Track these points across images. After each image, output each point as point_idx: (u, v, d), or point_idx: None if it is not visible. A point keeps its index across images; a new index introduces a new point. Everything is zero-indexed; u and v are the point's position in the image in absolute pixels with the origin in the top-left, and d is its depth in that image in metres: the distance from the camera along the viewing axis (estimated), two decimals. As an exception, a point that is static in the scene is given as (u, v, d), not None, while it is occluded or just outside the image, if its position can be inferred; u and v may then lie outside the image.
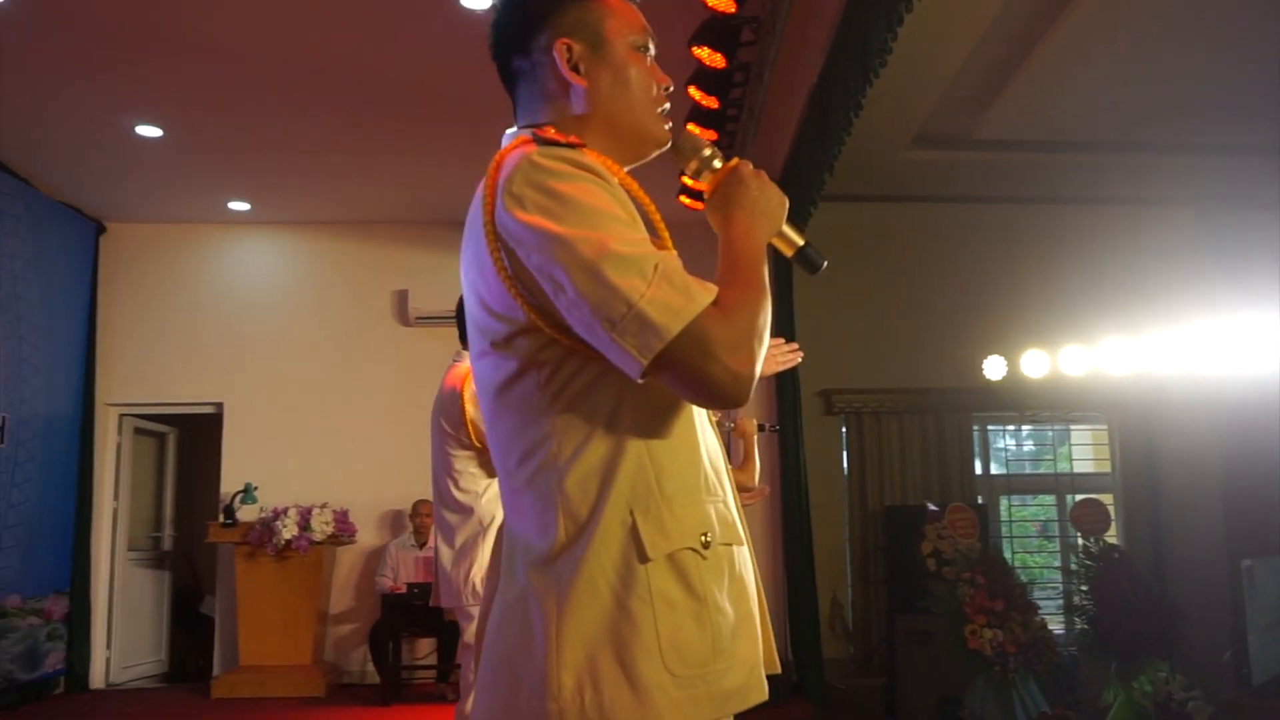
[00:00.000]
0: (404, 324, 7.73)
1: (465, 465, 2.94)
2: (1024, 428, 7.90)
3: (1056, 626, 6.02)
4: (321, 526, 6.87)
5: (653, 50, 1.44)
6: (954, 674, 5.18)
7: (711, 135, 5.21)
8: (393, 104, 5.84)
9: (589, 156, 1.28)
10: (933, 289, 7.38)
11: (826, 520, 7.00)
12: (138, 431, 7.98)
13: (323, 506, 6.98)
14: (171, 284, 7.68)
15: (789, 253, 1.42)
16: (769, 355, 1.86)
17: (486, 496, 2.92)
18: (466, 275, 1.36)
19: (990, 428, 7.71)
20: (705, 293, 1.21)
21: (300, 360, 7.63)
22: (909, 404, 7.35)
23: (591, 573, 1.20)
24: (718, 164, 1.40)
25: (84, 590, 7.31)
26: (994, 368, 6.76)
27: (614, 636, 1.18)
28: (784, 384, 6.67)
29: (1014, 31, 5.19)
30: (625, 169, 1.36)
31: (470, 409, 2.93)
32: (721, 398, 1.21)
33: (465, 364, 3.02)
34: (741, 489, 3.32)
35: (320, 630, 7.17)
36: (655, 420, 1.27)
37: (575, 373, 1.25)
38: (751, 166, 1.38)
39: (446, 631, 6.95)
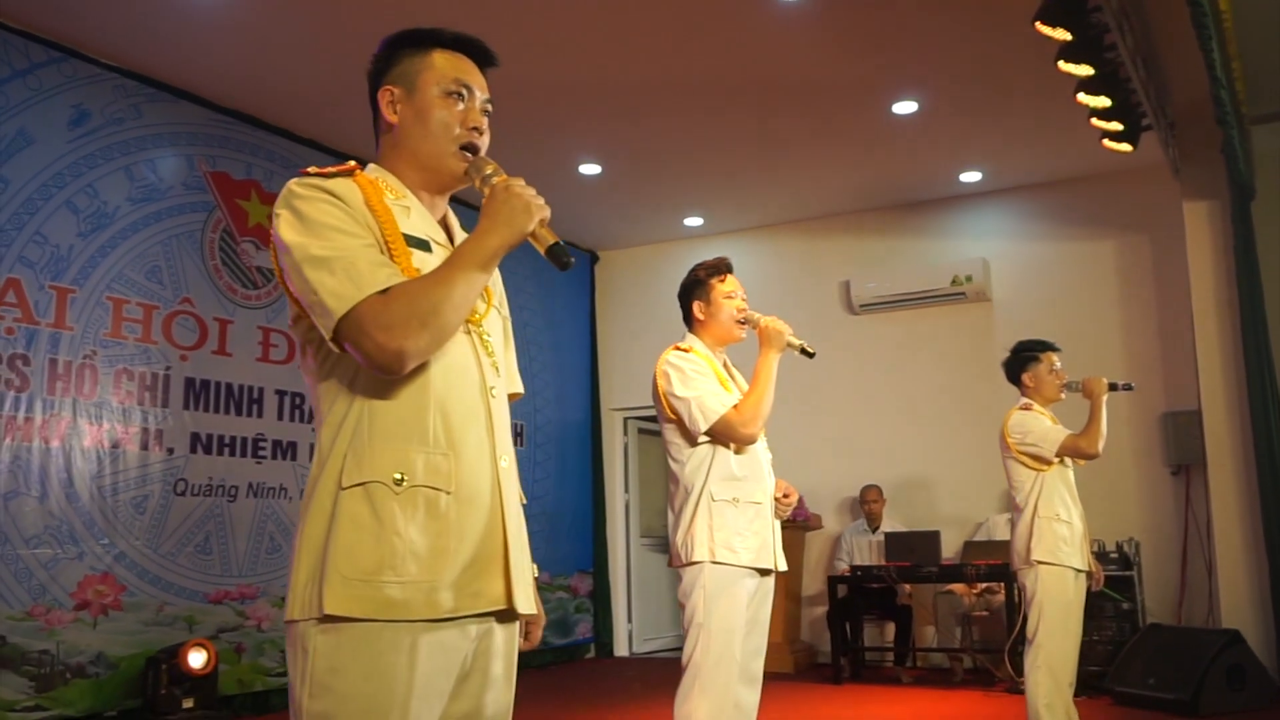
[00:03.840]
0: (850, 312, 7.90)
1: (671, 435, 3.14)
2: None
3: None
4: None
5: (476, 98, 1.70)
6: None
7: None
8: (793, 102, 6.12)
9: (335, 180, 1.58)
10: None
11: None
12: (642, 432, 9.07)
13: (781, 493, 7.38)
14: (652, 299, 8.63)
15: (541, 250, 1.59)
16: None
17: (690, 465, 3.10)
18: None
19: None
20: (376, 285, 1.47)
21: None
22: None
23: (320, 498, 1.51)
24: (495, 180, 1.61)
25: (604, 571, 8.50)
26: None
27: (323, 545, 1.47)
28: None
29: None
30: (436, 191, 1.71)
31: (661, 383, 3.14)
32: (378, 367, 1.48)
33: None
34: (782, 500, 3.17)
35: (793, 611, 7.57)
36: (379, 385, 1.53)
37: (330, 349, 1.53)
38: (512, 183, 1.58)
39: (903, 615, 6.98)
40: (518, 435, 7.88)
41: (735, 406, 3.03)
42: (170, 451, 5.33)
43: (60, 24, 4.94)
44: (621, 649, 8.58)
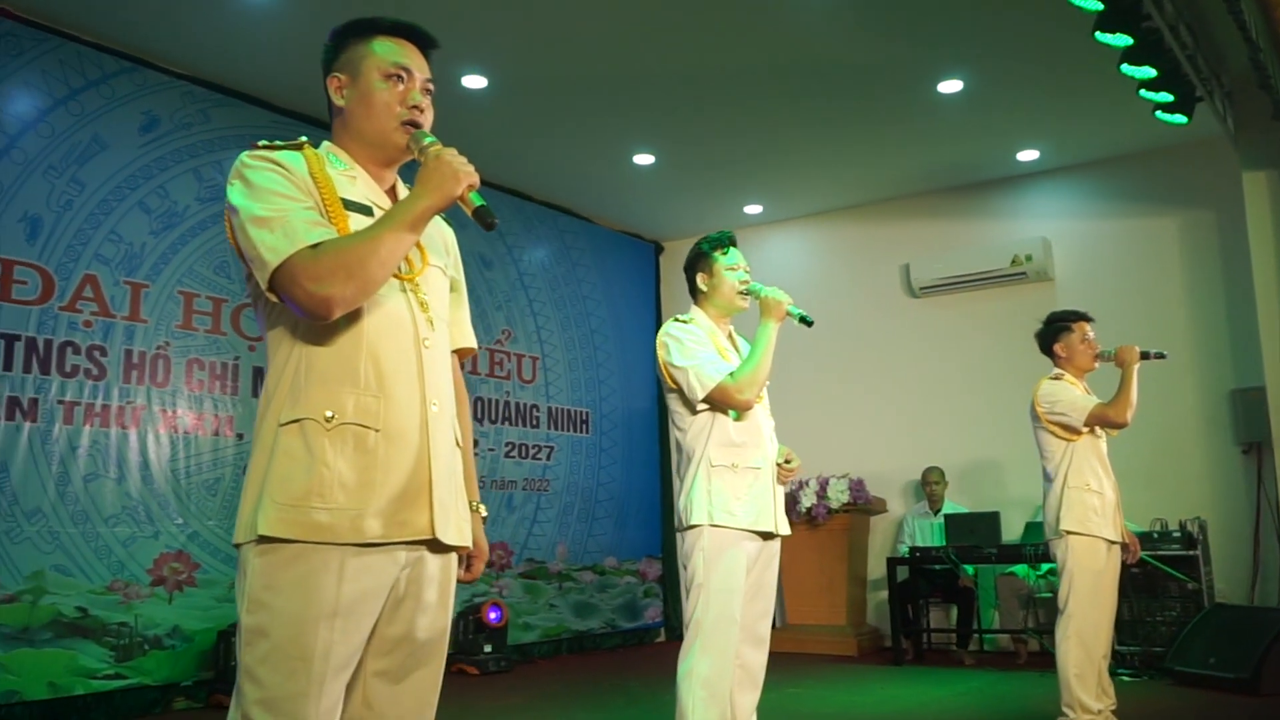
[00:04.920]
0: (911, 296, 7.88)
1: (673, 404, 3.25)
2: None
3: None
4: (837, 495, 7.30)
5: (416, 79, 1.85)
6: None
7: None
8: (837, 87, 6.15)
9: (282, 152, 1.75)
10: None
11: None
12: (709, 419, 9.15)
13: (841, 476, 7.41)
14: (717, 288, 8.73)
15: (469, 212, 1.75)
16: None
17: (691, 432, 3.20)
18: None
19: None
20: (309, 240, 1.63)
21: (822, 342, 8.16)
22: None
23: (263, 434, 1.69)
24: (433, 151, 1.76)
25: (672, 556, 8.60)
26: None
27: (264, 476, 1.64)
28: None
29: None
30: (383, 164, 1.86)
31: (661, 354, 3.25)
32: (309, 314, 1.64)
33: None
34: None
35: (858, 594, 7.58)
36: (316, 334, 1.70)
37: (275, 302, 1.70)
38: (443, 152, 1.73)
39: (964, 598, 6.95)
40: (584, 423, 8.06)
41: (732, 374, 3.12)
42: (240, 437, 5.63)
43: (130, 36, 5.28)
44: (692, 633, 8.67)
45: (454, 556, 1.82)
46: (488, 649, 6.62)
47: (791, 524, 7.32)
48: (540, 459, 7.69)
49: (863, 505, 7.38)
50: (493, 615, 6.65)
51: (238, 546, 1.67)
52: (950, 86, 6.10)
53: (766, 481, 3.18)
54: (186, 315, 5.47)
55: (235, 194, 1.70)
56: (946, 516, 7.01)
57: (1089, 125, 6.71)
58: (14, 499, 4.73)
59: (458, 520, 1.78)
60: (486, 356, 7.39)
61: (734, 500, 3.11)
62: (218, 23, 5.13)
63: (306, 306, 1.63)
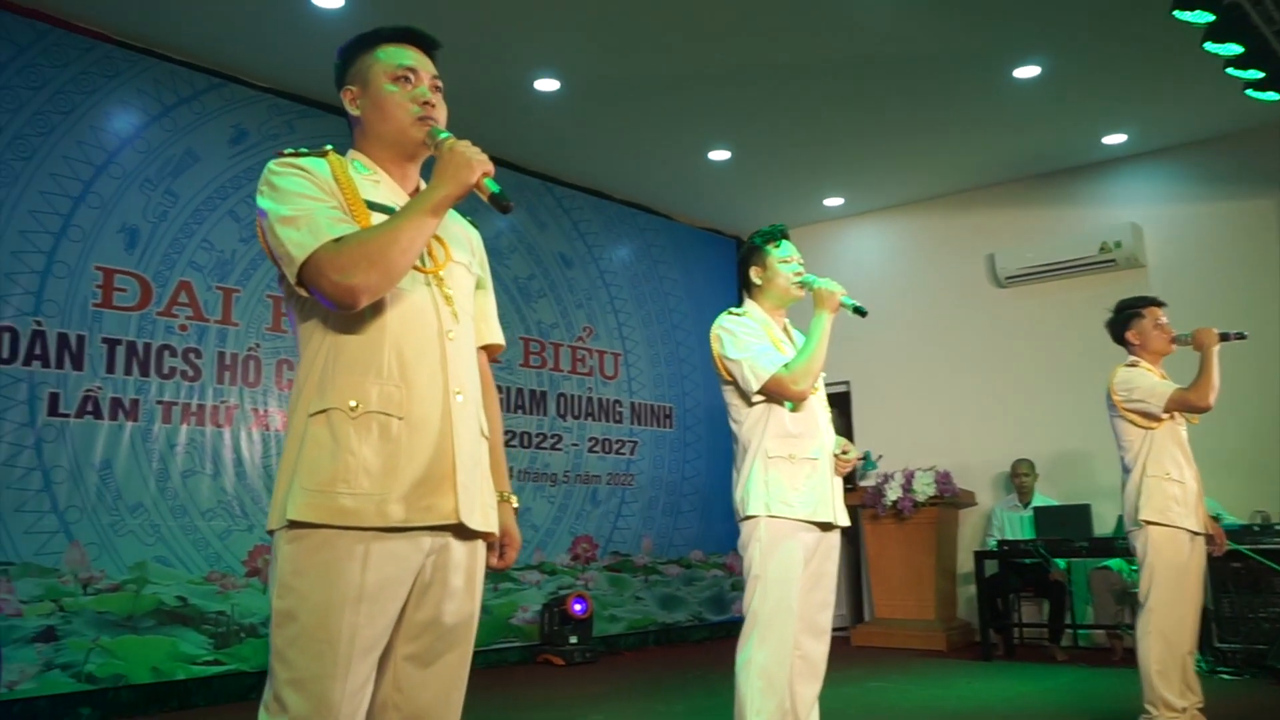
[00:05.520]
0: (997, 286, 7.73)
1: (729, 396, 3.27)
2: None
3: None
4: (923, 488, 7.21)
5: (423, 77, 1.93)
6: None
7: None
8: (912, 77, 6.10)
9: (307, 158, 1.84)
10: None
11: None
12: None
13: (928, 469, 7.31)
14: (800, 281, 8.69)
15: (485, 198, 1.82)
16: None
17: (747, 424, 3.22)
18: None
19: None
20: (332, 235, 1.72)
21: (907, 335, 8.09)
22: None
23: (294, 425, 1.78)
24: (448, 144, 1.84)
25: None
26: None
27: (295, 463, 1.73)
28: None
29: None
30: (405, 160, 1.94)
31: (715, 347, 3.28)
32: (335, 303, 1.72)
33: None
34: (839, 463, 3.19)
35: (947, 588, 7.48)
36: (343, 326, 1.79)
37: (307, 297, 1.79)
38: (457, 143, 1.81)
39: (1055, 592, 6.79)
40: (667, 418, 8.12)
41: (786, 365, 3.13)
42: (329, 434, 5.82)
43: (219, 54, 5.52)
44: (780, 628, 8.66)
45: (481, 544, 1.88)
46: (573, 640, 6.72)
47: (877, 517, 7.41)
48: (624, 454, 7.77)
49: (950, 498, 7.27)
50: (578, 607, 6.76)
51: (271, 533, 1.76)
52: (1027, 72, 5.98)
53: (824, 472, 3.18)
54: (275, 318, 5.70)
55: (263, 199, 1.80)
56: (1036, 509, 6.87)
57: (1178, 106, 6.50)
58: (118, 494, 5.01)
59: (483, 506, 1.84)
60: (569, 353, 7.50)
61: (790, 491, 3.12)
62: (299, 37, 5.33)
63: (333, 296, 1.71)
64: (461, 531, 1.80)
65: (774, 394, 3.15)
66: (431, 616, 1.79)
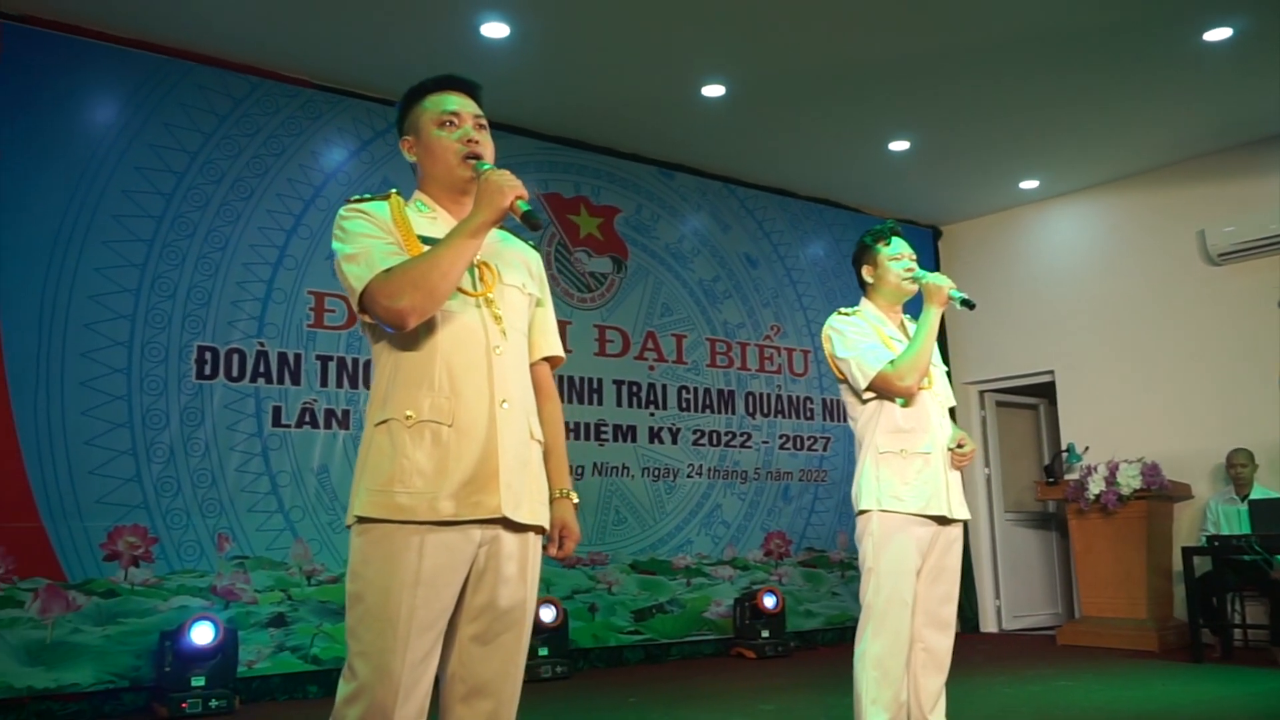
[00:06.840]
0: (1208, 263, 7.24)
1: (845, 395, 3.33)
2: None
3: None
4: (1128, 480, 6.87)
5: (465, 119, 2.16)
6: None
7: None
8: (1098, 49, 5.87)
9: (370, 203, 2.11)
10: None
11: None
12: (1000, 405, 8.86)
13: (1135, 461, 6.96)
14: (1002, 267, 8.45)
15: (518, 218, 2.03)
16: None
17: (862, 420, 3.27)
18: None
19: None
20: (383, 266, 1.97)
21: (1113, 319, 7.71)
22: None
23: (366, 434, 2.06)
24: (485, 175, 2.06)
25: (965, 547, 8.40)
26: None
27: (362, 467, 2.02)
28: None
29: None
30: (460, 195, 2.15)
31: (826, 347, 3.35)
32: (388, 325, 1.98)
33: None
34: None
35: (1162, 586, 7.09)
36: (403, 346, 2.04)
37: (370, 323, 2.08)
38: (492, 172, 2.03)
39: (1276, 591, 6.32)
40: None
41: (892, 361, 3.18)
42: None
43: (401, 90, 5.99)
44: (989, 625, 8.47)
45: (533, 536, 2.09)
46: (765, 634, 6.86)
47: (1082, 512, 7.11)
48: (816, 450, 7.82)
49: (1159, 491, 6.89)
50: (769, 602, 6.89)
51: (349, 528, 2.04)
52: (1218, 34, 5.61)
53: (936, 466, 3.22)
54: (470, 330, 6.14)
55: (335, 241, 2.08)
56: (1251, 502, 6.40)
57: None
58: (334, 495, 5.59)
59: (530, 503, 2.06)
60: (756, 352, 7.64)
61: (901, 485, 3.17)
62: (469, 67, 5.68)
63: (386, 319, 1.96)
64: (511, 524, 2.02)
65: (882, 390, 3.21)
66: (488, 600, 2.02)
